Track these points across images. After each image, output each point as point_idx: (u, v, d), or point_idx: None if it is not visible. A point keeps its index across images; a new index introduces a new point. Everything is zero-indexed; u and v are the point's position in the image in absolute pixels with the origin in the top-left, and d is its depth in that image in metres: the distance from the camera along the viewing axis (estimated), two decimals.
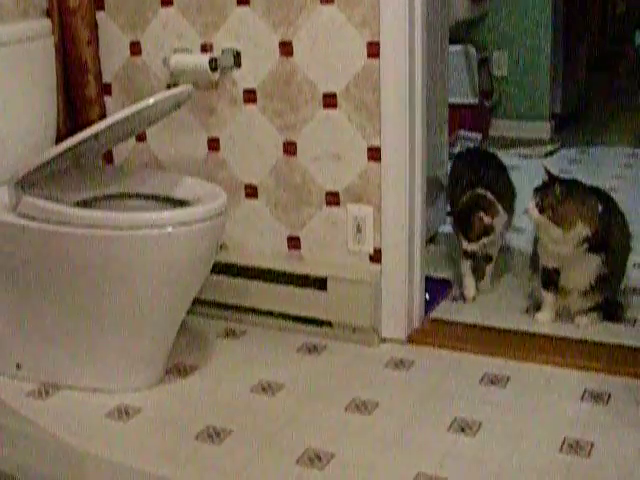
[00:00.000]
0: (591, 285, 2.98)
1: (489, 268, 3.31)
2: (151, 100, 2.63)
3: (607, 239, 2.93)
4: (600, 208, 2.89)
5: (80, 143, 2.57)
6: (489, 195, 3.15)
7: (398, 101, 2.80)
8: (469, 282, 3.26)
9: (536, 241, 3.07)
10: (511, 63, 5.61)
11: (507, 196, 3.32)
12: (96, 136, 2.60)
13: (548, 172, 2.94)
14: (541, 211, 2.87)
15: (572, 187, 2.92)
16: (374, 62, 2.80)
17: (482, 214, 3.09)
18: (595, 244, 2.91)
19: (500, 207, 3.16)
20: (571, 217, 2.86)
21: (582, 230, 2.87)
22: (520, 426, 2.46)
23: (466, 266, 3.26)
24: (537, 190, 2.92)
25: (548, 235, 2.92)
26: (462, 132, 5.24)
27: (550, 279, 3.03)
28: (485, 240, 3.14)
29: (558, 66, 5.62)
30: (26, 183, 2.62)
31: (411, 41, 2.77)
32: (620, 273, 3.09)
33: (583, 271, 2.97)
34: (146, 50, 3.13)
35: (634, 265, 3.26)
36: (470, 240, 3.13)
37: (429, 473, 2.26)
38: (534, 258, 3.13)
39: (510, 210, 3.34)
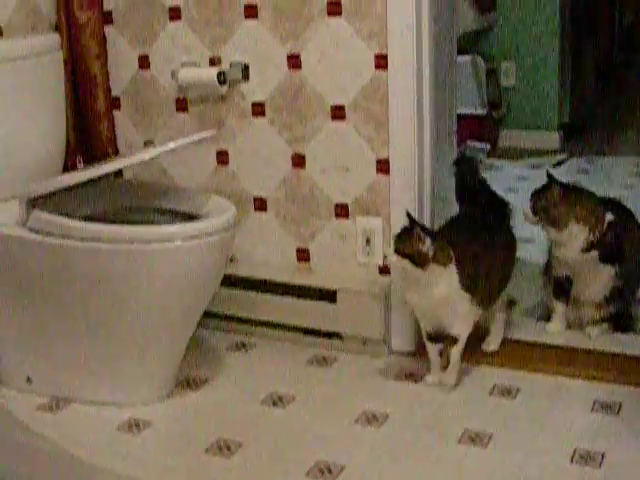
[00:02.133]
0: (605, 297, 2.98)
1: (455, 352, 2.69)
2: (171, 145, 2.68)
3: (621, 250, 2.93)
4: (611, 217, 2.89)
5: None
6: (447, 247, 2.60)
7: (406, 113, 2.80)
8: (434, 363, 2.77)
9: (550, 250, 3.07)
10: (519, 73, 5.61)
11: (478, 269, 2.69)
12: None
13: (549, 176, 2.93)
14: (535, 213, 2.89)
15: (571, 190, 2.93)
16: (382, 74, 2.80)
17: (422, 234, 2.55)
18: (607, 254, 2.90)
19: (457, 276, 2.60)
20: (563, 217, 2.87)
21: (580, 232, 2.87)
22: (531, 437, 2.45)
23: (433, 351, 2.75)
24: (533, 194, 2.94)
25: (550, 238, 2.95)
26: (471, 143, 5.24)
27: (561, 288, 3.03)
28: (407, 265, 2.55)
29: (566, 76, 5.62)
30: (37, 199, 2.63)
31: (419, 52, 2.77)
32: (635, 285, 3.08)
33: (596, 282, 2.96)
34: (154, 64, 3.14)
35: None
36: (396, 249, 2.56)
37: None
38: (548, 267, 3.12)
39: (486, 299, 2.73)
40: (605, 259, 2.91)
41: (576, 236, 2.88)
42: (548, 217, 2.88)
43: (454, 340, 2.67)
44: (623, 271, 2.95)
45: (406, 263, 2.56)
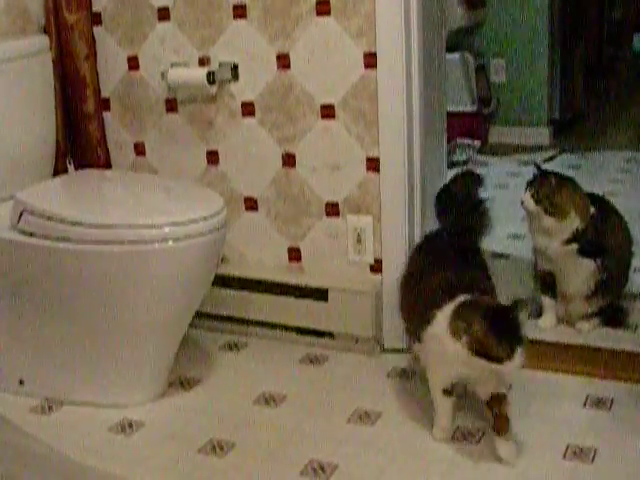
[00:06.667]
0: (592, 290, 2.98)
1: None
2: None
3: (601, 244, 2.93)
4: (593, 210, 2.92)
5: None
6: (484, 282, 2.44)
7: (396, 111, 2.80)
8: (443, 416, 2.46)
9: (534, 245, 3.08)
10: (509, 70, 5.61)
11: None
12: None
13: (538, 167, 2.96)
14: (537, 202, 2.89)
15: (565, 179, 2.95)
16: (371, 72, 2.81)
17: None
18: (585, 248, 2.91)
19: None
20: (565, 206, 2.88)
21: (574, 221, 2.88)
22: (523, 433, 2.45)
23: (447, 404, 2.44)
24: (531, 182, 2.94)
25: (540, 227, 2.94)
26: (461, 140, 5.24)
27: (546, 283, 3.05)
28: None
29: (556, 72, 5.62)
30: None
31: (408, 50, 2.77)
32: (622, 278, 3.08)
33: (577, 276, 2.97)
34: (144, 65, 3.14)
35: (634, 270, 3.25)
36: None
37: None
38: (536, 265, 3.13)
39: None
40: (583, 253, 2.92)
41: (570, 225, 2.89)
42: (551, 205, 2.87)
43: (504, 396, 2.34)
44: (606, 265, 2.95)
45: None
